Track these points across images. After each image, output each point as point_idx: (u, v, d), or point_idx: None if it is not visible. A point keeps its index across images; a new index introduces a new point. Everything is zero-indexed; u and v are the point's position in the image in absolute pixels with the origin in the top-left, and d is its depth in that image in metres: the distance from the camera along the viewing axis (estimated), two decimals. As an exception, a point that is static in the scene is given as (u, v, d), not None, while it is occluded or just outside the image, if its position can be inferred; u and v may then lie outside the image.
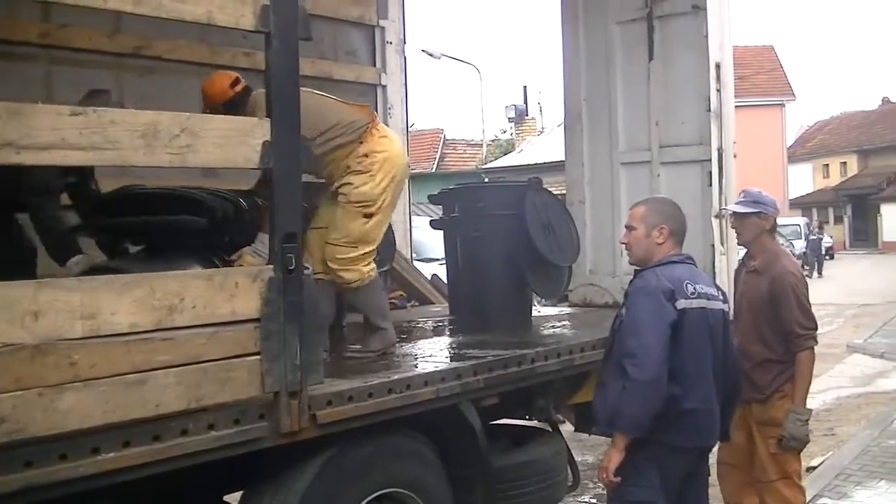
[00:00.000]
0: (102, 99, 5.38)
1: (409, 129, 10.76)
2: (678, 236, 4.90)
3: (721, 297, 4.88)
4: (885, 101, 70.82)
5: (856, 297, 27.13)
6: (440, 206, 7.63)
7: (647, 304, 4.60)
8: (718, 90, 7.50)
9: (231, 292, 3.77)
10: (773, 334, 5.79)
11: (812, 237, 44.02)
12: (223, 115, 4.33)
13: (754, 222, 5.92)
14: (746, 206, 5.95)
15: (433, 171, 41.04)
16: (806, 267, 41.94)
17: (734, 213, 6.04)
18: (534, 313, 7.49)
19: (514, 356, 5.42)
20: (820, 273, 40.74)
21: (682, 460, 4.74)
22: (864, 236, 60.05)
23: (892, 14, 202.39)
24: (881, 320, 21.62)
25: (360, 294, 5.64)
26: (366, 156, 5.50)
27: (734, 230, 6.23)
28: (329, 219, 5.56)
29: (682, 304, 4.60)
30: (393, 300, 8.29)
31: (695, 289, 4.68)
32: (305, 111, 4.14)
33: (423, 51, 36.32)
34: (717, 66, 7.51)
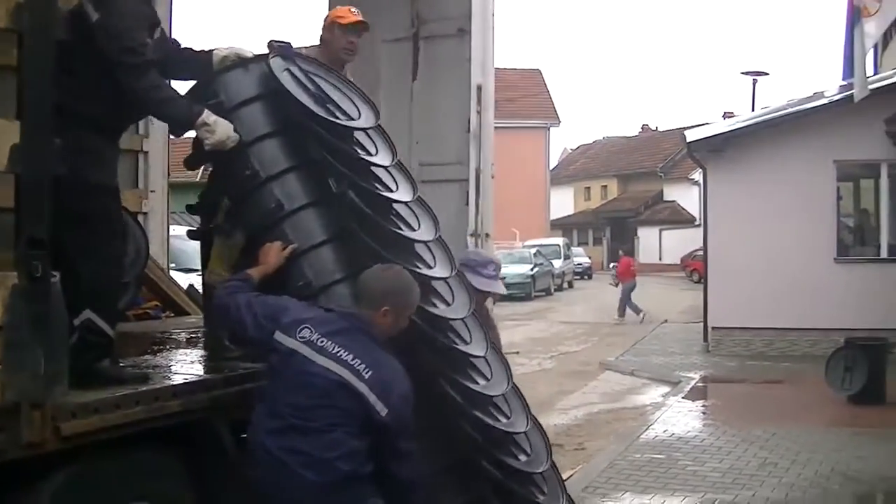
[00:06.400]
0: None
1: (174, 136, 10.47)
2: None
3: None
4: (645, 128, 74.14)
5: (610, 317, 28.22)
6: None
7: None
8: (479, 112, 7.64)
9: (-29, 299, 3.60)
10: None
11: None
12: None
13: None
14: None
15: (197, 179, 40.19)
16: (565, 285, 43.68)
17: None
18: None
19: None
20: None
21: None
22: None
23: (654, 44, 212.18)
24: (633, 339, 22.62)
25: None
26: None
27: None
28: None
29: None
30: (147, 310, 8.07)
31: None
32: None
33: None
34: (479, 89, 7.65)
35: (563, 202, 67.86)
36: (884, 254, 18.42)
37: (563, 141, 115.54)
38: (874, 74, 20.36)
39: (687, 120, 67.75)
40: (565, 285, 45.18)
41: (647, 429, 11.92)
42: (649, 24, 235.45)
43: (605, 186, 68.29)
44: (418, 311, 4.74)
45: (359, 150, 5.10)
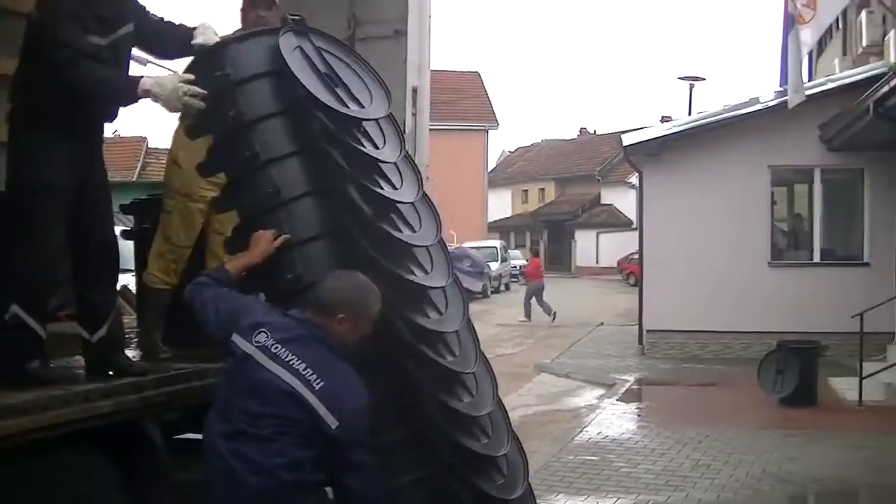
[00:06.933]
0: None
1: (109, 136, 10.33)
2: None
3: None
4: (584, 131, 74.57)
5: (547, 319, 28.29)
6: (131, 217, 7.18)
7: None
8: (414, 114, 7.57)
9: None
10: None
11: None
12: None
13: None
14: None
15: (134, 179, 39.86)
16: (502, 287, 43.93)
17: None
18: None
19: (197, 370, 5.27)
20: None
21: None
22: (559, 260, 62.65)
23: (593, 48, 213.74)
24: (569, 341, 22.70)
25: None
26: None
27: None
28: (226, 217, 5.41)
29: None
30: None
31: None
32: None
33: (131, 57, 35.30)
34: (414, 91, 7.58)
35: (501, 204, 68.00)
36: (817, 258, 18.64)
37: (501, 143, 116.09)
38: (809, 81, 20.67)
39: (625, 124, 68.51)
40: (502, 287, 45.25)
41: (581, 431, 11.98)
42: (589, 29, 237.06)
43: (543, 189, 68.56)
44: (406, 321, 4.56)
45: (364, 142, 4.75)
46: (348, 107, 4.72)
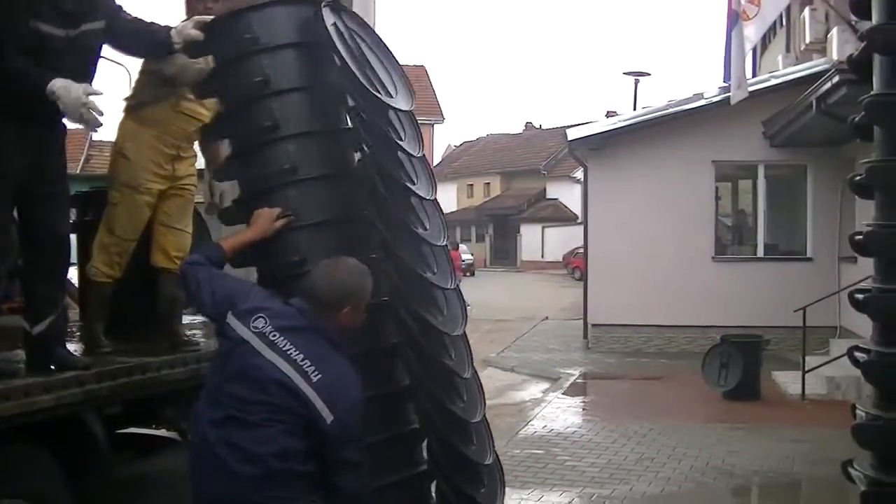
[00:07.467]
0: None
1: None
2: None
3: None
4: (529, 125, 74.70)
5: (492, 313, 28.29)
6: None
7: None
8: None
9: None
10: None
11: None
12: None
13: None
14: None
15: (77, 172, 39.35)
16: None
17: None
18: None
19: (139, 364, 5.20)
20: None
21: None
22: (505, 254, 62.85)
23: (539, 43, 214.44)
24: (514, 335, 22.67)
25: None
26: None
27: None
28: (174, 208, 5.67)
29: None
30: (21, 303, 7.75)
31: None
32: None
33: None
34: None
35: (447, 199, 67.80)
36: (760, 253, 18.80)
37: (447, 138, 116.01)
38: (753, 77, 20.82)
39: (571, 118, 68.41)
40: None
41: (526, 425, 11.98)
42: (535, 23, 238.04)
43: (489, 184, 68.61)
44: (415, 316, 4.49)
45: (390, 131, 4.60)
46: (379, 92, 4.55)
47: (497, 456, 5.05)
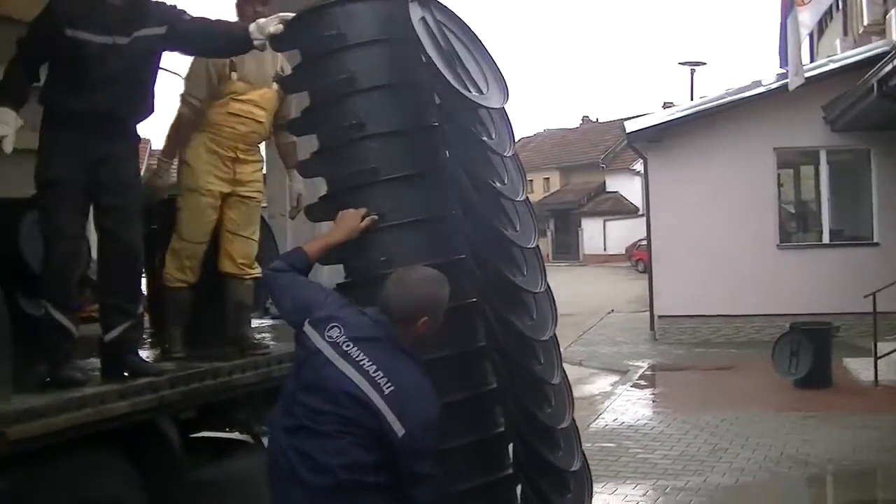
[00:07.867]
0: None
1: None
2: None
3: None
4: (585, 119, 74.35)
5: (558, 308, 28.13)
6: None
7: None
8: None
9: None
10: None
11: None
12: None
13: None
14: None
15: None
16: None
17: None
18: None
19: (211, 369, 5.29)
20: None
21: None
22: (567, 249, 62.55)
23: (593, 36, 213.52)
24: (580, 329, 22.64)
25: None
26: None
27: None
28: (239, 216, 5.84)
29: None
30: (91, 313, 7.91)
31: None
32: None
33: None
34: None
35: (507, 195, 67.73)
36: (826, 239, 18.66)
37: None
38: (811, 62, 20.65)
39: (627, 111, 68.00)
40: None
41: (596, 418, 12.00)
42: (588, 17, 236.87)
43: (548, 179, 68.39)
44: (502, 321, 4.39)
45: (480, 131, 4.41)
46: (469, 90, 4.38)
47: (586, 460, 4.88)
